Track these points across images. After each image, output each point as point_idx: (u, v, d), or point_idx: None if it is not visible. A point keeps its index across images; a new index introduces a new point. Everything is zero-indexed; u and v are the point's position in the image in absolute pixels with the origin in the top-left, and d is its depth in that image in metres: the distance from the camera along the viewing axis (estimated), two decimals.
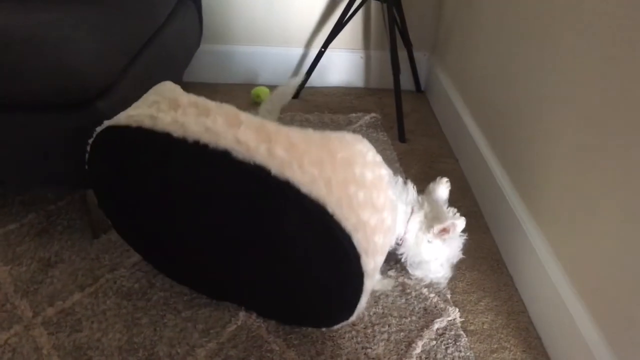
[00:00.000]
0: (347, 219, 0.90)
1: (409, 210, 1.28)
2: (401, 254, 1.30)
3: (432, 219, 1.26)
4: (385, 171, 1.03)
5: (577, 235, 1.11)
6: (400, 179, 1.32)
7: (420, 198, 1.33)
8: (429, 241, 1.26)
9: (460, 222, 1.25)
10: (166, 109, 0.98)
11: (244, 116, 0.95)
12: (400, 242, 1.28)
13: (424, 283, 1.31)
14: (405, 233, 1.27)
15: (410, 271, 1.32)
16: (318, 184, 0.89)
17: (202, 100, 1.00)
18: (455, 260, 1.31)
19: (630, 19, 0.95)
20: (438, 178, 1.37)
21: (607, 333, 0.99)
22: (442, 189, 1.35)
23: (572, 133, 1.14)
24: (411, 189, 1.33)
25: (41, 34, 1.21)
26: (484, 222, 1.54)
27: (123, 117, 1.01)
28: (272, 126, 0.94)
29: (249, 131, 0.92)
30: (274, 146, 0.90)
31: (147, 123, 0.96)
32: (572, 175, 1.13)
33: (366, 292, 0.99)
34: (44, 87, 1.13)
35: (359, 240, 0.91)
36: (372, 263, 0.96)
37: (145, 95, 1.09)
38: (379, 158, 1.03)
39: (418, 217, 1.28)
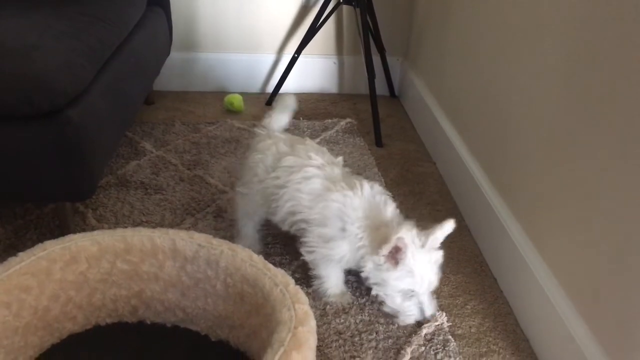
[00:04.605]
0: None
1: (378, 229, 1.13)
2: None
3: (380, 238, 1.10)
4: None
5: (560, 233, 1.11)
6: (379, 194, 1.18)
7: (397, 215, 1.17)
8: (378, 265, 1.11)
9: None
10: None
11: None
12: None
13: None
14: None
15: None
16: None
17: None
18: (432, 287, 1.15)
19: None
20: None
21: (596, 331, 0.99)
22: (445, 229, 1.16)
23: (547, 132, 1.14)
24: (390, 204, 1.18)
25: (4, 41, 1.16)
26: (464, 224, 1.53)
27: None
28: None
29: None
30: None
31: None
32: (552, 173, 1.13)
33: None
34: (8, 96, 1.07)
35: None
36: None
37: None
38: None
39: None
